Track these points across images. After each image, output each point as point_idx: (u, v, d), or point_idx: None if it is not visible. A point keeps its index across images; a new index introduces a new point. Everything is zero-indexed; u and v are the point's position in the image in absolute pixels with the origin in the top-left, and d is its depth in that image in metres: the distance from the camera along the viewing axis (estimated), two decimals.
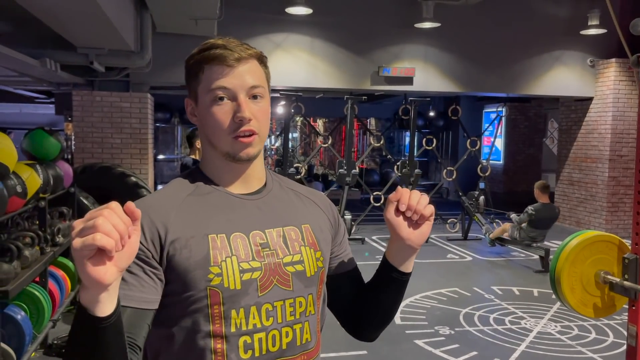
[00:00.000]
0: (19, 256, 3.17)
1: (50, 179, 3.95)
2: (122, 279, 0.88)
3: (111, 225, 0.74)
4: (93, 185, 5.72)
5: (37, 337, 3.51)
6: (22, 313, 3.38)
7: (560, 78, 8.74)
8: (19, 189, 3.25)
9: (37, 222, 3.91)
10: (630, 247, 2.43)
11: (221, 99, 1.00)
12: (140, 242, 0.91)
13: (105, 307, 0.78)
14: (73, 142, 7.79)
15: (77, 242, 0.73)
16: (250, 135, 1.01)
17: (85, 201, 5.06)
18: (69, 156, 9.05)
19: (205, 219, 0.99)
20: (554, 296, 5.25)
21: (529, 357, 3.86)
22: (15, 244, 3.14)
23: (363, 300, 1.16)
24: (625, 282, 2.34)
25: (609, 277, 2.40)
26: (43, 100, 12.13)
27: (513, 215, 6.74)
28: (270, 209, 1.06)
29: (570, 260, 2.39)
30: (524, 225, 6.53)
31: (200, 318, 0.94)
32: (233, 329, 0.95)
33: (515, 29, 8.40)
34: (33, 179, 3.55)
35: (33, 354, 3.48)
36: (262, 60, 1.06)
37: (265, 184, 1.10)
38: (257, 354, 0.96)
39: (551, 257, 6.44)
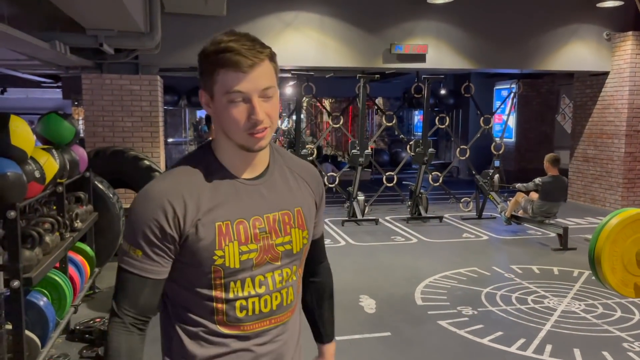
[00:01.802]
0: (41, 242, 3.12)
1: (67, 163, 3.89)
2: (148, 255, 1.13)
3: None
4: (106, 169, 5.65)
5: (60, 323, 3.48)
6: (45, 299, 3.35)
7: (576, 52, 8.56)
8: (37, 174, 3.19)
9: (55, 208, 3.86)
10: None
11: (237, 100, 1.11)
12: (163, 226, 1.12)
13: None
14: (82, 126, 7.73)
15: None
16: (263, 131, 1.14)
17: (100, 186, 5.01)
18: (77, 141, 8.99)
19: (215, 208, 1.16)
20: (575, 274, 5.23)
21: (556, 336, 3.82)
22: (37, 230, 3.09)
23: (305, 299, 1.48)
24: None
25: None
26: (50, 84, 12.04)
27: (518, 185, 6.79)
28: (271, 193, 1.23)
29: (611, 239, 2.32)
30: (535, 199, 6.49)
31: (204, 285, 1.17)
32: (231, 295, 1.18)
33: (530, 3, 8.21)
34: (50, 163, 3.49)
35: (58, 340, 3.46)
36: (272, 58, 1.15)
37: (267, 166, 1.25)
38: (250, 313, 1.20)
39: (572, 235, 6.38)
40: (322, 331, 1.50)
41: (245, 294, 1.18)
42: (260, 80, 1.11)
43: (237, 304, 1.18)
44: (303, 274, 1.39)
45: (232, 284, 1.17)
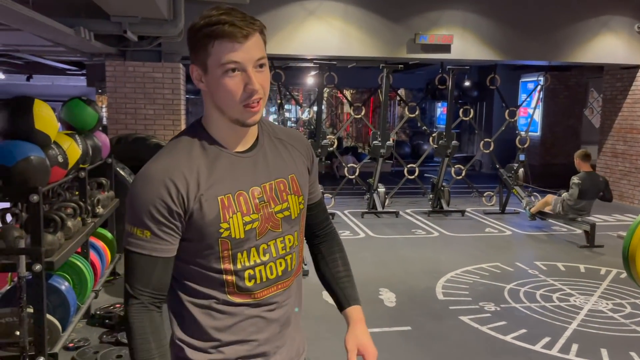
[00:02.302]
0: (63, 227, 3.13)
1: (89, 149, 3.90)
2: (156, 234, 1.15)
3: None
4: (128, 156, 5.68)
5: (80, 308, 3.50)
6: (66, 284, 3.37)
7: (606, 44, 8.31)
8: (60, 159, 3.19)
9: (77, 193, 3.87)
10: None
11: (233, 70, 1.13)
12: (168, 204, 1.14)
13: None
14: (105, 115, 7.78)
15: None
16: (258, 102, 1.16)
17: (122, 172, 5.03)
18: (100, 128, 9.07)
19: (215, 182, 1.18)
20: (602, 272, 5.10)
21: (582, 335, 3.71)
22: (59, 214, 3.10)
23: (317, 263, 1.50)
24: None
25: None
26: (75, 72, 12.16)
27: (565, 194, 6.37)
28: (264, 163, 1.27)
29: None
30: (567, 197, 6.27)
31: (212, 258, 1.20)
32: (239, 266, 1.22)
33: None
34: (73, 149, 3.49)
35: (78, 324, 3.48)
36: (262, 31, 1.18)
37: (257, 138, 1.28)
38: (258, 281, 1.24)
39: (599, 232, 6.20)
40: (343, 294, 1.44)
41: (252, 263, 1.23)
42: (254, 50, 1.14)
43: (245, 274, 1.22)
44: (309, 241, 1.48)
45: (238, 254, 1.21)
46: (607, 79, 9.25)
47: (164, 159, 1.17)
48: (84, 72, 11.91)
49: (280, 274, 1.27)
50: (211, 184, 1.18)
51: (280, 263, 1.27)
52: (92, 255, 4.02)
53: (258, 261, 1.23)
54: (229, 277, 1.21)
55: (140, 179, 1.16)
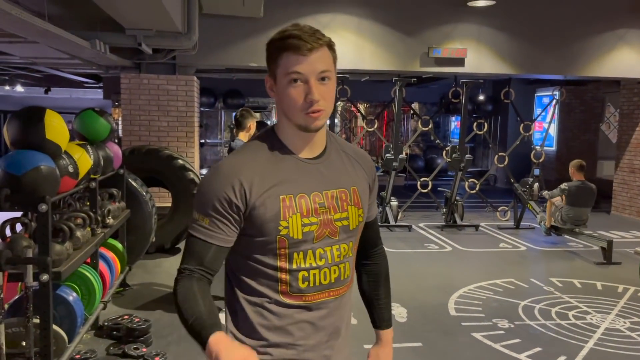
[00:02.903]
0: (71, 237, 3.13)
1: (101, 159, 3.91)
2: (215, 223, 1.24)
3: None
4: (141, 167, 5.71)
5: (88, 319, 3.49)
6: (74, 294, 3.36)
7: (623, 58, 8.21)
8: (70, 169, 3.20)
9: (88, 203, 3.88)
10: None
11: (295, 81, 1.21)
12: (231, 198, 1.23)
13: None
14: (120, 127, 7.84)
15: None
16: (318, 111, 1.22)
17: (133, 183, 5.04)
18: (116, 140, 9.15)
19: (279, 183, 1.26)
20: (620, 290, 4.97)
21: (599, 355, 3.60)
22: (68, 224, 3.10)
23: (360, 283, 1.55)
24: None
25: None
26: (92, 85, 12.33)
27: (545, 192, 6.68)
28: (329, 172, 1.32)
29: None
30: (563, 205, 6.37)
31: (270, 255, 1.26)
32: (294, 266, 1.27)
33: (575, 6, 7.92)
34: (84, 159, 3.51)
35: (86, 335, 3.46)
36: (331, 46, 1.25)
37: (325, 148, 1.35)
38: (311, 285, 1.28)
39: (617, 249, 6.08)
40: (379, 316, 1.54)
41: (307, 265, 1.27)
42: (318, 63, 1.21)
43: (300, 275, 1.27)
44: (358, 258, 1.47)
45: (295, 254, 1.26)
46: (624, 94, 9.12)
47: (235, 158, 1.29)
48: (101, 84, 12.07)
49: (333, 280, 1.31)
50: (275, 183, 1.25)
51: (335, 270, 1.31)
52: (102, 266, 4.01)
53: (313, 264, 1.28)
54: (284, 276, 1.27)
55: (212, 172, 1.27)
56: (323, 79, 1.22)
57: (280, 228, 1.24)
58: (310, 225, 1.26)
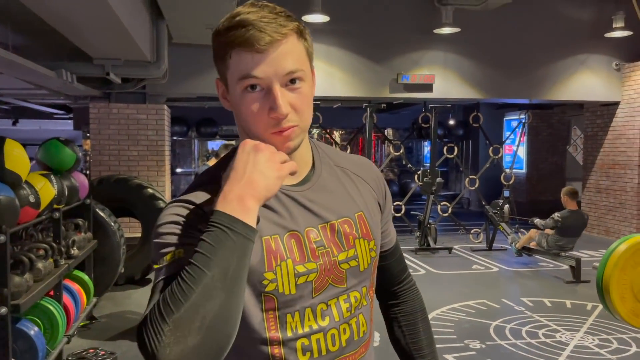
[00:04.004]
0: (32, 268, 3.05)
1: (65, 189, 3.86)
2: (190, 246, 0.82)
3: None
4: (110, 197, 5.64)
5: (51, 353, 3.38)
6: (36, 328, 3.26)
7: (585, 82, 8.50)
8: (31, 199, 3.15)
9: (52, 235, 3.81)
10: None
11: (253, 87, 0.87)
12: (189, 219, 0.88)
13: (255, 222, 0.80)
14: (90, 158, 7.77)
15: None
16: (289, 128, 0.89)
17: (101, 213, 4.96)
18: (87, 172, 9.05)
19: (260, 221, 0.87)
20: (588, 307, 5.03)
21: None
22: (28, 255, 3.03)
23: (390, 328, 1.22)
24: None
25: None
26: (62, 116, 12.21)
27: (537, 220, 6.48)
28: (322, 199, 0.98)
29: (619, 266, 2.19)
30: (551, 233, 6.29)
31: (255, 325, 0.91)
32: (289, 334, 0.92)
33: (538, 33, 8.20)
34: (47, 189, 3.45)
35: None
36: (301, 33, 0.91)
37: (313, 167, 1.01)
38: (315, 355, 0.93)
39: (586, 267, 6.17)
40: None
41: (307, 329, 0.93)
42: (283, 61, 0.86)
43: (298, 344, 0.92)
44: (382, 300, 1.18)
45: (288, 317, 0.91)
46: (588, 116, 9.41)
47: (194, 189, 0.92)
48: (71, 115, 11.96)
49: (344, 344, 0.96)
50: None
51: (344, 329, 0.96)
52: (66, 298, 3.91)
53: (315, 327, 0.93)
54: (276, 350, 0.91)
55: (163, 211, 0.91)
56: (293, 81, 0.88)
57: (265, 282, 0.89)
58: (306, 275, 0.92)
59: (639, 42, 8.22)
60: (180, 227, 0.86)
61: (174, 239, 0.85)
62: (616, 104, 8.67)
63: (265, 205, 0.91)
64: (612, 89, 8.58)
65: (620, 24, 7.78)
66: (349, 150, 8.42)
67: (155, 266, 0.86)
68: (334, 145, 15.94)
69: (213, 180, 0.91)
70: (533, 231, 6.62)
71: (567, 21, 8.27)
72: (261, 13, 0.87)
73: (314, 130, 13.50)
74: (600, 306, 5.05)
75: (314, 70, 0.96)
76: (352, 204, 1.01)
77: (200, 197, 0.90)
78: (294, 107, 0.88)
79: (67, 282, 4.06)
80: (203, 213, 0.87)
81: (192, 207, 0.88)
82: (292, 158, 0.92)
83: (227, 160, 0.91)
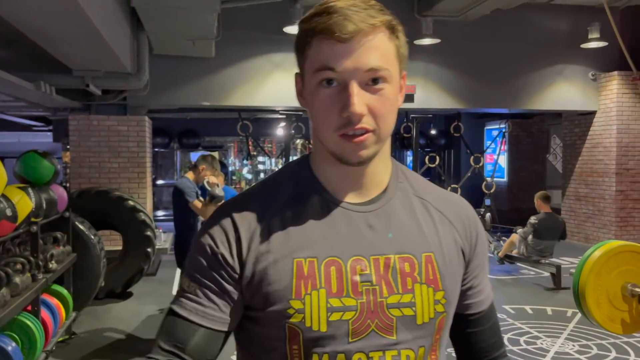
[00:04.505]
0: (9, 283, 3.01)
1: (43, 202, 3.81)
2: (204, 292, 0.80)
3: None
4: (90, 209, 5.57)
5: None
6: (13, 344, 3.20)
7: (563, 92, 8.65)
8: (8, 212, 3.10)
9: (30, 248, 3.75)
10: None
11: (329, 82, 0.77)
12: (222, 254, 0.80)
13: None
14: (69, 170, 7.68)
15: None
16: (362, 134, 0.78)
17: (80, 226, 4.91)
18: (67, 184, 8.94)
19: (296, 236, 0.79)
20: (569, 314, 5.09)
21: None
22: (5, 270, 2.98)
23: None
24: None
25: (637, 289, 2.24)
26: (41, 128, 12.07)
27: (520, 230, 6.62)
28: (385, 227, 0.83)
29: (595, 272, 2.23)
30: (529, 238, 6.40)
31: (275, 357, 0.80)
32: None
33: (516, 44, 8.35)
34: (24, 202, 3.41)
35: None
36: (393, 30, 0.79)
37: (386, 189, 0.86)
38: None
39: (566, 274, 6.25)
40: None
41: None
42: (366, 56, 0.76)
43: None
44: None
45: (315, 357, 0.77)
46: (566, 125, 9.57)
47: (242, 194, 0.87)
48: (50, 127, 11.83)
49: None
50: (290, 238, 0.80)
51: None
52: (44, 313, 3.85)
53: None
54: None
55: (212, 214, 0.86)
56: (375, 81, 0.77)
57: (291, 311, 0.76)
58: (343, 312, 0.77)
59: (614, 53, 8.41)
60: (205, 261, 0.81)
61: (193, 270, 0.82)
62: (593, 113, 8.84)
63: (310, 221, 0.81)
64: (588, 98, 8.75)
65: (596, 35, 7.95)
66: None
67: (181, 279, 0.85)
68: None
69: (270, 198, 0.85)
70: (514, 236, 6.74)
71: (544, 32, 8.44)
72: (352, 1, 0.77)
73: (298, 141, 13.55)
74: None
75: (404, 75, 0.84)
76: (421, 241, 0.84)
77: (245, 217, 0.83)
78: (372, 110, 0.77)
79: (46, 297, 4.00)
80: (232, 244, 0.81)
81: (231, 227, 0.82)
82: (364, 172, 0.83)
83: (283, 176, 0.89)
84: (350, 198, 0.84)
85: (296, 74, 0.85)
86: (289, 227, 0.81)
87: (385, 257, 0.81)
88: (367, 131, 0.78)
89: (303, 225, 0.81)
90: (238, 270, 0.79)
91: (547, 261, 6.37)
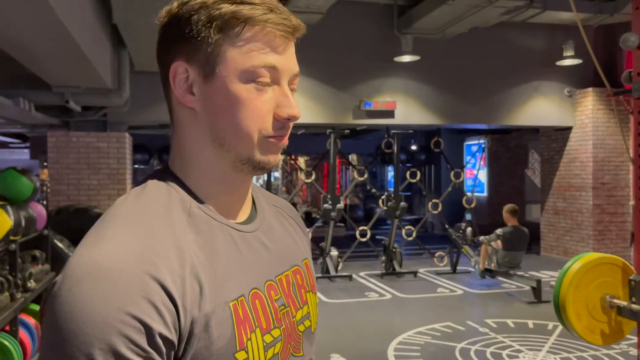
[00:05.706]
0: None
1: (22, 220, 3.74)
2: None
3: None
4: (69, 227, 5.49)
5: None
6: None
7: (540, 108, 8.84)
8: None
9: (8, 267, 3.68)
10: (634, 269, 2.32)
11: (263, 83, 0.70)
12: (153, 328, 0.59)
13: None
14: (48, 188, 7.57)
15: None
16: (285, 136, 0.74)
17: (59, 244, 4.83)
18: (45, 201, 8.79)
19: (222, 278, 0.67)
20: (550, 327, 5.15)
21: None
22: None
23: None
24: (633, 306, 2.22)
25: (616, 300, 2.28)
26: (18, 145, 11.90)
27: (482, 238, 6.93)
28: (272, 243, 0.78)
29: (574, 284, 2.27)
30: (497, 248, 6.68)
31: None
32: None
33: (493, 61, 8.52)
34: (3, 220, 3.35)
35: None
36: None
37: (253, 203, 0.81)
38: None
39: (546, 287, 6.34)
40: None
41: None
42: (294, 61, 0.73)
43: None
44: None
45: None
46: (543, 140, 9.76)
47: (128, 239, 0.63)
48: (27, 144, 11.67)
49: None
50: (217, 281, 0.67)
51: None
52: (22, 333, 3.76)
53: None
54: None
55: (84, 282, 0.59)
56: (294, 87, 0.75)
57: None
58: (274, 346, 0.72)
59: (589, 70, 8.64)
60: (125, 343, 0.58)
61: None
62: (569, 128, 9.04)
63: (222, 256, 0.69)
64: (565, 114, 8.95)
65: (571, 53, 8.16)
66: (313, 177, 8.46)
67: None
68: (298, 172, 16.01)
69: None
70: (483, 248, 6.92)
71: (520, 50, 8.63)
72: (274, 3, 0.71)
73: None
74: (561, 326, 5.17)
75: None
76: (297, 250, 0.83)
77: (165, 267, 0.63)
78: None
79: (24, 317, 3.91)
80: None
81: (156, 296, 0.61)
82: (248, 186, 0.77)
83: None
84: (238, 217, 0.76)
85: (176, 63, 0.71)
86: (210, 268, 0.67)
87: (285, 275, 0.78)
88: (286, 135, 0.74)
89: (220, 261, 0.68)
90: (174, 340, 0.61)
91: (527, 275, 6.46)
